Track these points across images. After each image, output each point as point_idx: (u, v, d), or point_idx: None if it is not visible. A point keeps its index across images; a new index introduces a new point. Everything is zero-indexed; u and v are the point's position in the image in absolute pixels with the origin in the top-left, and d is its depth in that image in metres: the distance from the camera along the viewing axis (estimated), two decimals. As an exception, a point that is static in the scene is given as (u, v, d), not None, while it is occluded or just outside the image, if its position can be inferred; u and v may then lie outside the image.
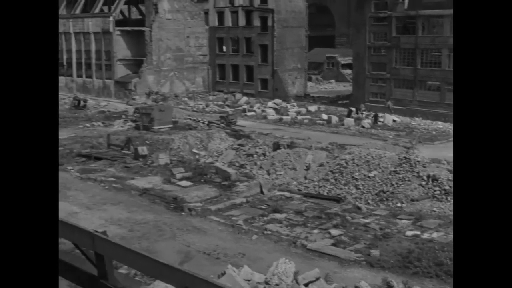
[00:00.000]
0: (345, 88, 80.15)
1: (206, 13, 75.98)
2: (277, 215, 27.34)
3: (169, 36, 72.36)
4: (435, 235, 24.49)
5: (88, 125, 52.47)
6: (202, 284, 6.48)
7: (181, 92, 73.03)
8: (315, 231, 25.24)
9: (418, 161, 31.57)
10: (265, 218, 27.12)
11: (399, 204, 29.19)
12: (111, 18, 72.02)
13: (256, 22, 71.81)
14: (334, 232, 24.90)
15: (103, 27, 72.66)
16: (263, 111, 60.54)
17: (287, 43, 72.12)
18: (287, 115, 57.55)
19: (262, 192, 31.39)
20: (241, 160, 37.66)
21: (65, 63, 78.38)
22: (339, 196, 30.74)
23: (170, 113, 51.36)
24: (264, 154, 37.39)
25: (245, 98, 69.28)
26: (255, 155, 37.52)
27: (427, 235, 24.45)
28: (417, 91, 57.26)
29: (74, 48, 76.96)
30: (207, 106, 64.73)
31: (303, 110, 61.44)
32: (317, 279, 18.20)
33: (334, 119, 54.56)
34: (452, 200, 27.86)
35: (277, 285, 17.22)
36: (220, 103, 67.32)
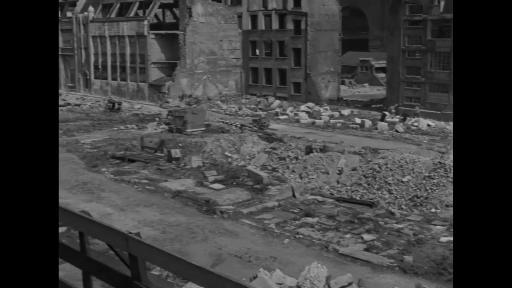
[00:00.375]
0: (379, 92, 79.53)
1: (240, 16, 76.24)
2: (309, 219, 27.21)
3: (203, 40, 72.79)
4: (470, 241, 24.04)
5: (122, 127, 53.05)
6: (235, 287, 6.46)
7: (214, 95, 73.37)
8: (348, 235, 25.04)
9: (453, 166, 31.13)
10: (297, 222, 27.01)
11: (433, 210, 28.78)
12: (145, 22, 72.80)
13: (290, 26, 71.77)
14: (366, 237, 24.66)
15: (138, 31, 73.48)
16: (295, 114, 60.40)
17: (320, 46, 71.89)
18: (320, 118, 57.31)
19: (294, 195, 31.29)
20: (274, 163, 37.63)
21: (100, 66, 79.48)
22: (372, 200, 30.46)
23: (203, 116, 51.62)
24: (296, 158, 37.30)
25: (277, 102, 69.25)
26: (287, 159, 37.45)
27: (462, 242, 24.00)
28: (452, 95, 56.47)
29: (109, 51, 77.97)
30: (239, 109, 64.88)
31: (336, 114, 61.14)
32: (350, 284, 18.05)
33: (368, 123, 54.14)
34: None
35: (308, 289, 17.13)
36: (252, 106, 67.42)
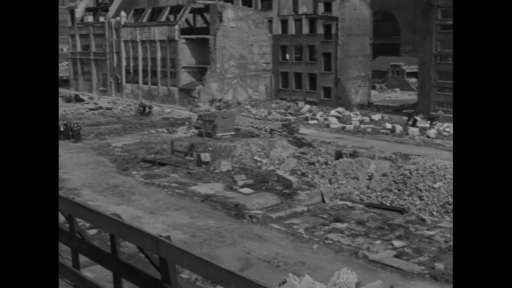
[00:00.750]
0: (410, 97, 78.79)
1: (270, 21, 76.34)
2: (339, 225, 27.05)
3: (233, 44, 73.06)
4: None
5: (152, 131, 53.50)
6: (264, 292, 6.43)
7: (244, 99, 73.53)
8: (377, 242, 24.82)
9: (486, 173, 30.57)
10: (326, 227, 26.88)
11: (465, 217, 28.33)
12: (176, 27, 73.38)
13: (320, 30, 71.60)
14: (397, 243, 24.41)
15: (169, 35, 74.09)
16: (325, 119, 60.16)
17: (351, 51, 71.55)
18: (350, 123, 56.98)
19: (323, 201, 31.14)
20: (303, 168, 37.50)
21: (131, 71, 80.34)
22: (402, 207, 30.13)
23: (233, 121, 51.75)
24: (326, 163, 37.12)
25: (307, 106, 69.09)
26: (317, 164, 37.30)
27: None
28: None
29: (140, 55, 78.77)
30: (269, 113, 64.88)
31: (366, 119, 60.72)
32: (379, 291, 17.85)
33: (398, 128, 53.62)
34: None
35: (338, 295, 17.00)
36: (282, 111, 67.37)
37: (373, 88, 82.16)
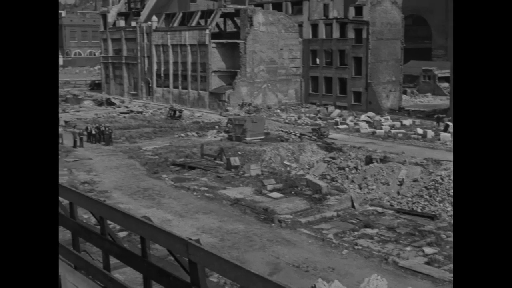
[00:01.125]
0: (442, 102, 77.84)
1: (300, 25, 76.28)
2: (369, 230, 26.81)
3: (263, 49, 73.16)
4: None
5: (183, 135, 53.82)
6: (294, 297, 6.38)
7: (273, 104, 73.55)
8: (408, 248, 24.52)
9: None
10: (356, 232, 26.66)
11: (498, 224, 27.85)
12: (207, 31, 73.80)
13: (351, 35, 71.26)
14: (428, 250, 24.08)
15: (199, 40, 74.56)
16: (355, 124, 59.80)
17: (382, 55, 71.05)
18: (381, 128, 56.53)
19: (353, 206, 30.92)
20: (333, 173, 37.31)
21: (162, 75, 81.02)
22: (433, 213, 29.74)
23: (263, 125, 51.79)
24: (356, 168, 36.87)
25: (337, 111, 68.78)
26: (346, 169, 37.07)
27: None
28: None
29: (171, 60, 79.39)
30: (299, 118, 64.75)
31: (397, 124, 60.16)
32: (410, 298, 17.64)
33: (430, 133, 52.99)
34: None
35: (367, 302, 16.82)
36: (312, 115, 67.18)
37: (404, 92, 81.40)
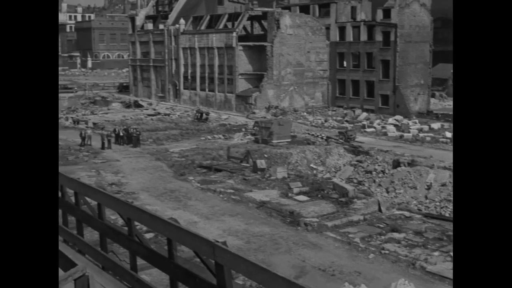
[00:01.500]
0: (471, 105, 76.79)
1: (328, 28, 76.00)
2: (396, 235, 26.57)
3: (290, 51, 73.08)
4: None
5: (209, 137, 54.01)
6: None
7: (300, 106, 73.39)
8: (436, 253, 24.24)
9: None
10: (383, 237, 26.45)
11: (528, 230, 27.40)
12: (234, 34, 73.97)
13: (378, 37, 70.78)
14: (456, 255, 23.76)
15: (227, 43, 74.77)
16: (383, 127, 59.33)
17: (410, 58, 70.42)
18: (408, 132, 56.01)
19: (380, 210, 30.68)
20: (359, 176, 37.08)
21: (189, 77, 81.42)
22: (462, 218, 29.35)
23: (289, 128, 51.70)
24: (383, 172, 36.59)
25: (364, 114, 68.34)
26: (373, 172, 36.81)
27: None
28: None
29: (198, 62, 79.75)
30: (326, 121, 64.50)
31: (425, 127, 59.57)
32: (437, 303, 17.41)
33: (458, 137, 52.33)
34: None
35: (394, 307, 16.67)
36: (339, 118, 66.86)
37: (433, 96, 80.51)
